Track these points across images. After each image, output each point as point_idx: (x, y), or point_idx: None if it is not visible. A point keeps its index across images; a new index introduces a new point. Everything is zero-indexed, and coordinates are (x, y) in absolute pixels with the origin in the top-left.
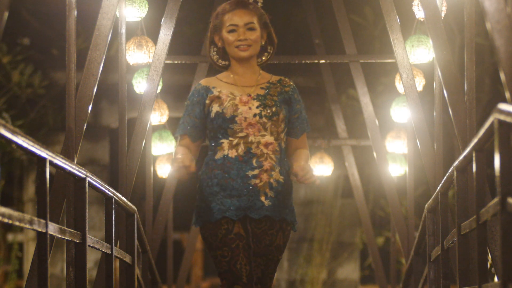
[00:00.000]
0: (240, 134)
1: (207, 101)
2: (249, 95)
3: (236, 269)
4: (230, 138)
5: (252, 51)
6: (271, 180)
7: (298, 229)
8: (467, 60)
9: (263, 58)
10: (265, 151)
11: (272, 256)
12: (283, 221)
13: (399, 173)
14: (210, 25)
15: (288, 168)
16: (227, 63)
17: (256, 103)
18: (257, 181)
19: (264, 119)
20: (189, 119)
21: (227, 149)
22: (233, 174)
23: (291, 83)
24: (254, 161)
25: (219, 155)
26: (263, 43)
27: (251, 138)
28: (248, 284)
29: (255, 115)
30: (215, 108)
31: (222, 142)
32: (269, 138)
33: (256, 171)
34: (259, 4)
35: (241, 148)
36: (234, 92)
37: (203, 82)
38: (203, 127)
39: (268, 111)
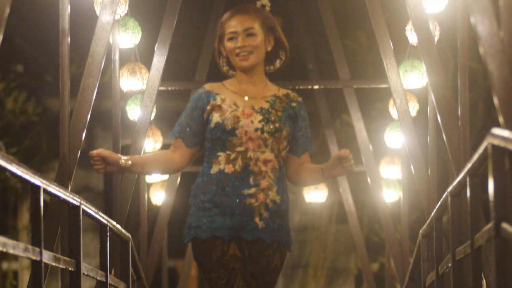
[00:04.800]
0: (239, 149)
1: (208, 107)
2: (253, 108)
3: None
4: (228, 152)
5: (254, 59)
6: (268, 201)
7: (293, 255)
8: (461, 85)
9: (277, 64)
10: (263, 168)
11: (269, 278)
12: (278, 242)
13: (393, 199)
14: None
15: (286, 187)
16: (234, 73)
17: (259, 117)
18: (253, 200)
19: (265, 135)
20: (186, 122)
21: (224, 164)
22: (228, 191)
23: (299, 99)
24: (251, 179)
25: (214, 169)
26: (269, 48)
27: (250, 154)
28: None
29: (256, 130)
30: (216, 118)
31: (219, 156)
32: (269, 155)
33: (252, 190)
34: (267, 8)
35: (239, 164)
36: (237, 102)
37: (207, 86)
38: (201, 134)
39: (271, 126)
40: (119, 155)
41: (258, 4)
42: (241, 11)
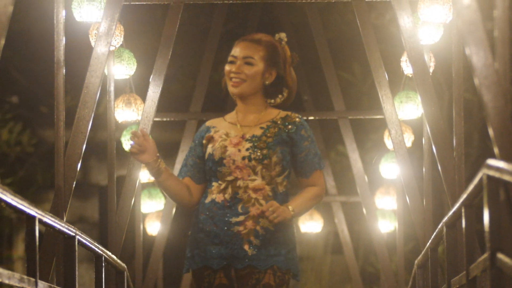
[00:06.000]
0: (229, 178)
1: (204, 141)
2: (243, 136)
3: None
4: (219, 182)
5: (245, 88)
6: (257, 228)
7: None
8: (456, 116)
9: (277, 100)
10: (253, 196)
11: None
12: (273, 268)
13: (388, 229)
14: None
15: None
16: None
17: (247, 145)
18: (241, 228)
19: (253, 162)
20: (191, 160)
21: (216, 193)
22: (217, 220)
23: (296, 120)
24: (239, 207)
25: (208, 199)
26: (268, 82)
27: (239, 182)
28: None
29: (243, 158)
30: (208, 149)
31: (213, 185)
32: (259, 183)
33: (240, 218)
34: (283, 42)
35: (228, 193)
36: (230, 133)
37: (207, 122)
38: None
39: (258, 153)
40: None
41: (277, 36)
42: (249, 39)
